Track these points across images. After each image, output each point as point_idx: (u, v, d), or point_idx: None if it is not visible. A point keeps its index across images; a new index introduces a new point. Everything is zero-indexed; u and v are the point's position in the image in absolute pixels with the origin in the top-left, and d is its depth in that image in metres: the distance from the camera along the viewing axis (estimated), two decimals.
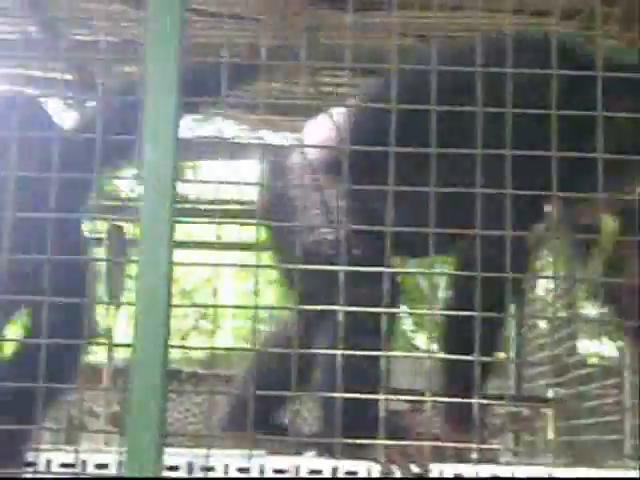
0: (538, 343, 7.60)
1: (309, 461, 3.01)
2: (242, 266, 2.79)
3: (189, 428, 7.12)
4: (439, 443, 2.77)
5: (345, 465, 2.90)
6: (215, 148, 6.07)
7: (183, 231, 14.28)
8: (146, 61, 2.28)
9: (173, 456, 2.72)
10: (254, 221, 4.93)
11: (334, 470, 2.88)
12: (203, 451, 2.54)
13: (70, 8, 5.85)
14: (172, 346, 2.21)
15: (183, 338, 15.28)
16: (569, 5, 4.92)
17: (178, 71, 2.30)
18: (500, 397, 5.23)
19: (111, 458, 2.93)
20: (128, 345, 2.41)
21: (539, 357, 7.52)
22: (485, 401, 2.62)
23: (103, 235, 6.64)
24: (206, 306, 5.12)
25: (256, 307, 2.52)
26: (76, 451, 2.95)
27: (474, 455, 2.88)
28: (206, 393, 6.82)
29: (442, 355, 3.04)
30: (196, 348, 16.63)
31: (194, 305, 16.10)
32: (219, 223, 2.71)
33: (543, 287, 7.63)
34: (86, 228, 3.37)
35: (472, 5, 4.73)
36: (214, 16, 5.41)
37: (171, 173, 2.29)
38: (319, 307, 2.51)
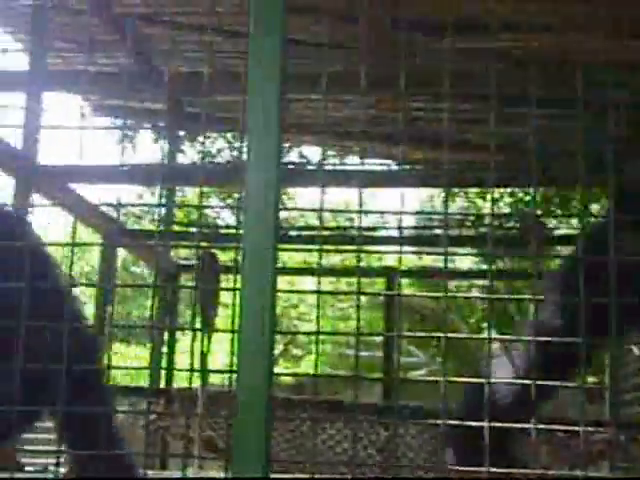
0: (633, 368, 7.45)
1: None
2: (345, 293, 2.75)
3: (281, 455, 7.15)
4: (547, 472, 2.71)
5: None
6: (312, 175, 6.13)
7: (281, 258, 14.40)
8: (249, 91, 2.32)
9: None
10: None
11: None
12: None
13: (168, 40, 6.00)
14: (277, 374, 2.22)
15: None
16: None
17: (279, 100, 2.33)
18: (598, 423, 5.13)
19: None
20: (227, 371, 2.45)
21: (634, 383, 7.38)
22: (588, 428, 2.58)
23: (195, 262, 6.73)
24: (302, 333, 5.12)
25: (358, 334, 2.52)
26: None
27: None
28: (300, 419, 6.84)
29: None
30: (302, 375, 16.74)
31: (295, 332, 16.17)
32: (320, 251, 2.73)
33: None
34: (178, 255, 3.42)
35: (569, 28, 4.69)
36: (311, 45, 5.48)
37: (274, 201, 2.32)
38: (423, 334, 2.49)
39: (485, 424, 2.35)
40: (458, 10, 4.52)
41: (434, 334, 2.50)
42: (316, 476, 2.47)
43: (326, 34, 5.02)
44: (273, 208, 2.32)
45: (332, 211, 9.71)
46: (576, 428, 2.40)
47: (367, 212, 13.03)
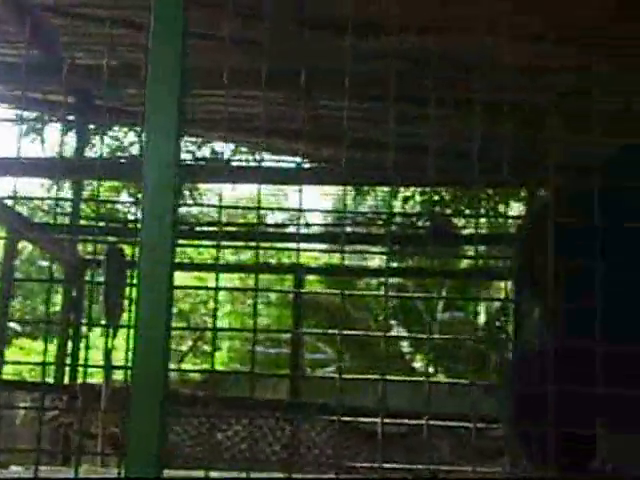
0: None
1: None
2: (241, 290, 2.75)
3: (186, 450, 7.11)
4: None
5: None
6: (215, 171, 6.11)
7: (183, 253, 14.35)
8: (147, 85, 2.30)
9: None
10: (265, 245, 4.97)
11: None
12: (201, 473, 2.54)
13: (73, 33, 5.91)
14: (171, 369, 2.21)
15: (181, 360, 15.27)
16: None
17: (179, 95, 2.32)
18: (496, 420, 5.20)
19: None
20: (127, 367, 2.42)
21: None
22: (482, 425, 2.62)
23: (102, 257, 6.65)
24: (205, 329, 5.10)
25: (255, 330, 2.52)
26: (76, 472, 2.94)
27: None
28: (204, 416, 6.81)
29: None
30: (195, 371, 16.66)
31: (193, 328, 16.10)
32: (219, 247, 2.71)
33: None
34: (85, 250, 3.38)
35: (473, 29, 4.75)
36: (213, 39, 5.45)
37: (172, 196, 2.30)
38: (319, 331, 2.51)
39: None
40: (363, 10, 4.56)
41: (339, 331, 2.51)
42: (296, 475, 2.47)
43: (234, 29, 5.00)
44: (171, 203, 2.30)
45: (232, 207, 9.68)
46: (469, 424, 2.44)
47: (269, 209, 13.09)
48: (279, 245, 8.74)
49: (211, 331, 2.65)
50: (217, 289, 2.49)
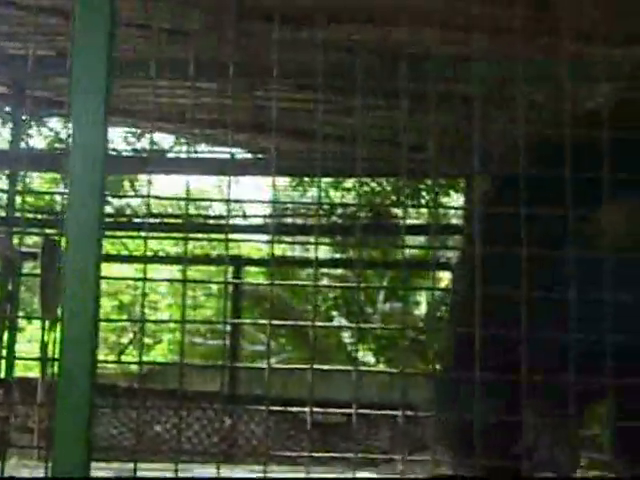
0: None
1: None
2: (169, 280, 2.74)
3: (125, 443, 7.08)
4: None
5: None
6: (151, 162, 6.08)
7: (122, 245, 14.25)
8: (73, 74, 2.27)
9: (102, 470, 2.71)
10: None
11: None
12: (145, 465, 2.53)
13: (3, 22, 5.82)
14: (100, 361, 2.20)
15: (122, 352, 15.16)
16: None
17: (106, 84, 2.29)
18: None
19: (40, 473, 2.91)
20: (56, 359, 2.40)
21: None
22: (408, 413, 2.64)
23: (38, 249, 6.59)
24: (134, 320, 5.07)
25: (194, 321, 2.52)
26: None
27: None
28: (141, 408, 6.77)
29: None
30: (127, 362, 16.52)
31: (125, 320, 16.01)
32: (147, 238, 2.69)
33: None
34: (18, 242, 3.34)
35: (400, 21, 4.77)
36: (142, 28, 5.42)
37: (99, 187, 2.28)
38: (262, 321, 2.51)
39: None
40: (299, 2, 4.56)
41: (271, 321, 2.51)
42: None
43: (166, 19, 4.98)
44: (98, 194, 2.28)
45: (158, 198, 9.59)
46: (395, 412, 2.46)
47: (197, 200, 13.01)
48: (215, 237, 8.71)
49: (140, 323, 2.63)
50: (145, 280, 2.48)
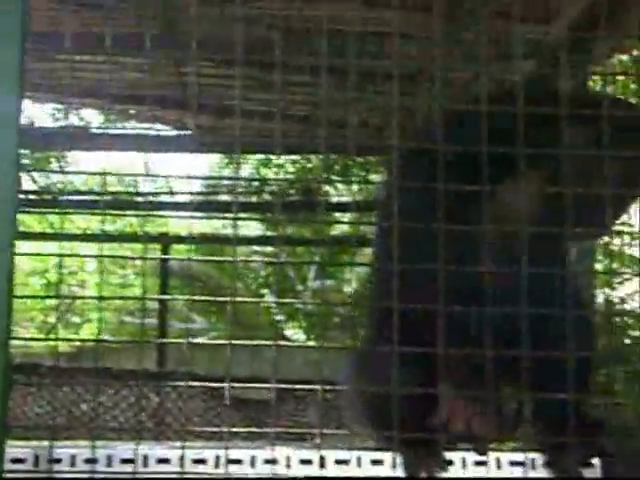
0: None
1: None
2: (84, 256, 2.72)
3: (51, 422, 7.01)
4: None
5: None
6: (74, 138, 6.01)
7: (47, 222, 14.07)
8: None
9: (20, 449, 2.69)
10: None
11: None
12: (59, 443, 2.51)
13: None
14: (13, 337, 2.17)
15: (50, 332, 14.99)
16: None
17: (19, 55, 2.25)
18: None
19: None
20: None
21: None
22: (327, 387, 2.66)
23: None
24: (51, 297, 5.02)
25: (121, 298, 2.50)
26: None
27: None
28: (66, 386, 6.73)
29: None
30: (37, 339, 16.27)
31: (39, 296, 15.84)
32: (60, 213, 2.67)
33: None
34: None
35: None
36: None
37: (13, 163, 2.24)
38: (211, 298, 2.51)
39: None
40: None
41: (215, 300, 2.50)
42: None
43: None
44: (13, 171, 2.25)
45: (76, 173, 9.47)
46: (316, 387, 2.48)
47: (115, 175, 12.90)
48: (139, 213, 8.63)
49: (66, 300, 2.61)
50: (62, 255, 2.46)
